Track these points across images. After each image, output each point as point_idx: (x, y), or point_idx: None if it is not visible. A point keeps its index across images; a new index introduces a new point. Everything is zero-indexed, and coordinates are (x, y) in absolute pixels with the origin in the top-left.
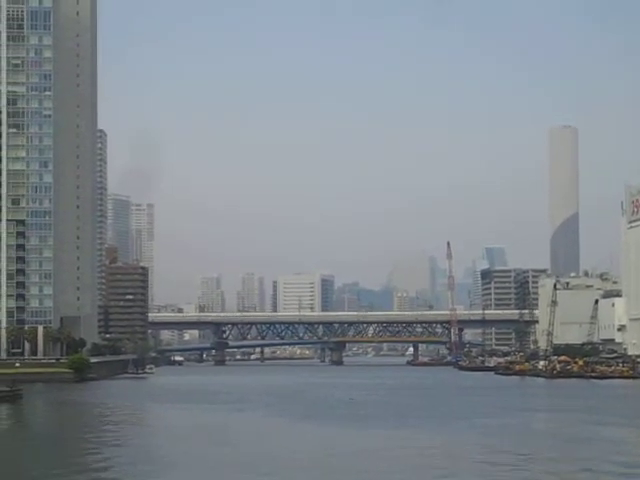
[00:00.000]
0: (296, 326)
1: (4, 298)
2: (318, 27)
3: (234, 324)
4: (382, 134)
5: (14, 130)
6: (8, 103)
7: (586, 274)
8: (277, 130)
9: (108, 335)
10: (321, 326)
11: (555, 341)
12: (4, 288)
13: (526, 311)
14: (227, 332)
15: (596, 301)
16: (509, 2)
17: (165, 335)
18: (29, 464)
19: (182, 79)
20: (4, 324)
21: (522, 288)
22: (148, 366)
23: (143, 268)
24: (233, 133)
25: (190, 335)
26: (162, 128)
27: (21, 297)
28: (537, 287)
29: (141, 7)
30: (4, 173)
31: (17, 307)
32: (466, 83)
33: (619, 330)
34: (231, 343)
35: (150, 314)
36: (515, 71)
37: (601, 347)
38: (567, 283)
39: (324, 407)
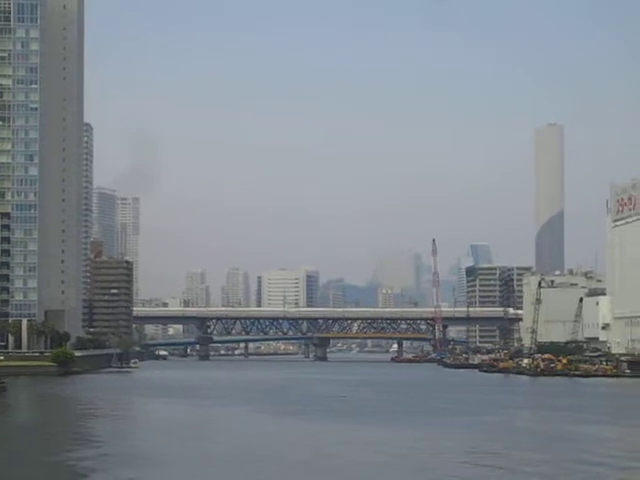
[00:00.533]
0: (280, 322)
1: None
2: (318, 26)
3: (218, 319)
4: (375, 134)
5: (0, 123)
6: None
7: (571, 272)
8: (267, 127)
9: (92, 329)
10: (305, 322)
11: (539, 339)
12: None
13: (510, 309)
14: (211, 327)
15: (580, 299)
16: (509, 2)
17: (149, 329)
18: (10, 457)
19: (172, 73)
20: None
21: (507, 286)
22: (132, 360)
23: (128, 262)
24: (221, 128)
25: (174, 330)
26: (150, 122)
27: (5, 290)
28: (522, 285)
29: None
30: None
31: (1, 300)
32: (459, 82)
33: (603, 329)
34: (215, 338)
35: (135, 308)
36: (513, 70)
37: (585, 345)
38: (552, 281)
39: (309, 403)
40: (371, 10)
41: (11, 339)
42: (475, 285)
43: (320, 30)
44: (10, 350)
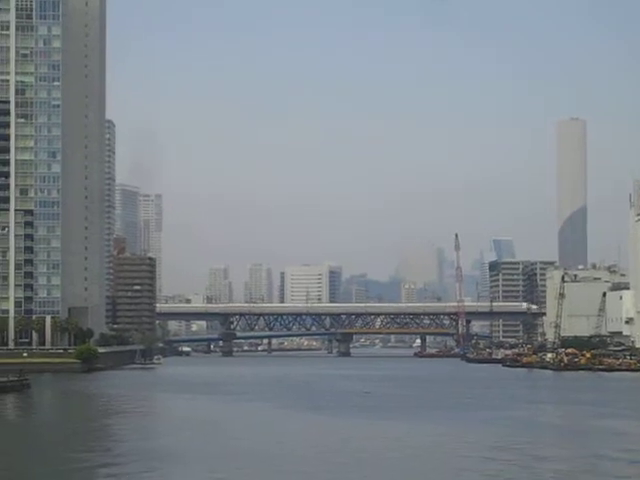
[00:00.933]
0: (304, 317)
1: (12, 288)
2: (318, 26)
3: (242, 315)
4: (386, 130)
5: (22, 120)
6: (17, 93)
7: (594, 267)
8: (284, 125)
9: (116, 325)
10: (328, 317)
11: (563, 333)
12: (12, 278)
13: (533, 306)
14: (235, 323)
15: (604, 294)
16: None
17: (173, 326)
18: (34, 454)
19: (190, 72)
20: (12, 314)
21: (530, 280)
22: (156, 357)
23: (151, 259)
24: (241, 127)
25: (197, 326)
26: (172, 119)
27: (29, 287)
28: (545, 279)
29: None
30: (12, 163)
31: (25, 297)
32: (472, 80)
33: (627, 323)
34: (239, 334)
35: (158, 305)
36: (520, 65)
37: (609, 340)
38: (575, 275)
39: (333, 398)
40: (371, 10)
41: (35, 336)
42: (498, 280)
43: (320, 30)
44: (34, 347)
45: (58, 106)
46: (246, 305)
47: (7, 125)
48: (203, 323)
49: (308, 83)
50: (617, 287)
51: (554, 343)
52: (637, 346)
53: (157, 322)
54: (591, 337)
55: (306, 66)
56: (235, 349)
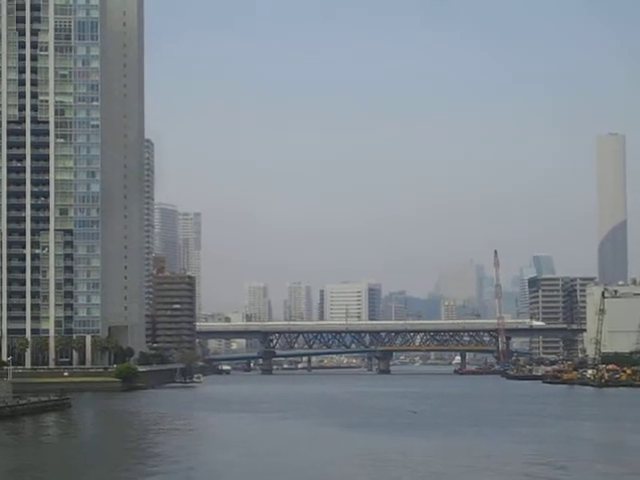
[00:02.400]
0: (343, 335)
1: (52, 307)
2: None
3: (281, 333)
4: (416, 143)
5: (62, 140)
6: (56, 113)
7: (634, 282)
8: (316, 142)
9: (156, 344)
10: (368, 335)
11: (603, 350)
12: (52, 297)
13: (573, 325)
14: (274, 341)
15: None
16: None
17: (212, 344)
18: (76, 473)
19: (227, 88)
20: (52, 333)
21: (570, 296)
22: (196, 375)
23: (190, 277)
24: (278, 144)
25: (237, 344)
26: (208, 139)
27: (69, 306)
28: (585, 295)
29: (188, 17)
30: (52, 183)
31: (65, 316)
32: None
33: None
34: (278, 352)
35: (197, 323)
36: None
37: None
38: (615, 291)
39: (381, 416)
40: (371, 10)
41: (75, 355)
42: (538, 296)
43: (322, 33)
44: (74, 366)
45: (97, 126)
46: (285, 323)
47: (46, 145)
48: (243, 341)
49: (326, 88)
50: None
51: (595, 359)
52: None
53: (197, 340)
54: (632, 353)
55: (312, 71)
56: (275, 367)
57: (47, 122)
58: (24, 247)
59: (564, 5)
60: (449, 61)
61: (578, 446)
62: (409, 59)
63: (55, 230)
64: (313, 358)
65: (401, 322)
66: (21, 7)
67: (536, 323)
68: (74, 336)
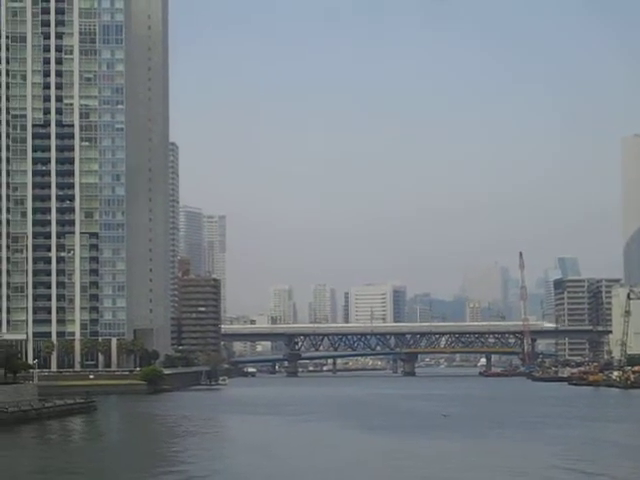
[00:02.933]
0: (368, 337)
1: (78, 310)
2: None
3: (306, 335)
4: (448, 142)
5: (87, 143)
6: (81, 117)
7: None
8: (334, 143)
9: (181, 347)
10: (393, 337)
11: (629, 351)
12: (78, 300)
13: (599, 327)
14: (299, 343)
15: None
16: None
17: (238, 347)
18: (103, 477)
19: (250, 91)
20: (78, 336)
21: (595, 298)
22: (221, 378)
23: (215, 280)
24: (298, 146)
25: (262, 347)
26: (230, 141)
27: (95, 309)
28: (610, 297)
29: (212, 21)
30: (77, 186)
31: (91, 319)
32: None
33: None
34: (303, 354)
35: (222, 326)
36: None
37: None
38: None
39: (403, 418)
40: (371, 10)
41: (101, 358)
42: (563, 298)
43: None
44: (100, 369)
45: (122, 129)
46: (310, 325)
47: (72, 148)
48: (268, 344)
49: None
50: None
51: (620, 361)
52: None
53: (222, 343)
54: None
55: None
56: (300, 369)
57: (72, 125)
58: (49, 250)
59: (564, 5)
60: (449, 61)
61: (603, 448)
62: (409, 59)
63: (80, 233)
64: (338, 360)
65: (426, 324)
66: (46, 11)
67: (547, 325)
68: (99, 339)
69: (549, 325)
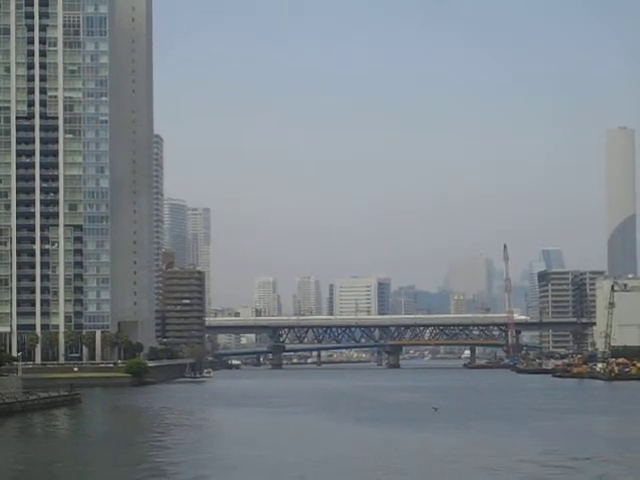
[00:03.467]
0: (353, 329)
1: (62, 303)
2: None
3: (291, 328)
4: (418, 139)
5: (70, 136)
6: (65, 109)
7: None
8: (320, 139)
9: (165, 339)
10: (377, 329)
11: (613, 343)
12: (62, 293)
13: (583, 319)
14: (284, 336)
15: None
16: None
17: (222, 339)
18: (84, 469)
19: (236, 85)
20: (62, 328)
21: (579, 290)
22: (206, 370)
23: (200, 272)
24: (283, 140)
25: (247, 339)
26: (215, 134)
27: (79, 302)
28: (595, 289)
29: (196, 13)
30: (61, 178)
31: (75, 312)
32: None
33: None
34: (288, 347)
35: (207, 318)
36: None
37: None
38: (625, 285)
39: (388, 410)
40: (371, 10)
41: (85, 350)
42: (548, 290)
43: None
44: (84, 361)
45: (106, 122)
46: (295, 318)
47: (55, 141)
48: (252, 336)
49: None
50: None
51: (604, 353)
52: None
53: (206, 335)
54: None
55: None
56: (284, 362)
57: (56, 118)
58: (33, 243)
59: (564, 5)
60: (448, 61)
61: (586, 440)
62: (409, 59)
63: (64, 226)
64: (323, 353)
65: (411, 316)
66: (29, 2)
67: (518, 318)
68: (84, 331)
69: (521, 318)
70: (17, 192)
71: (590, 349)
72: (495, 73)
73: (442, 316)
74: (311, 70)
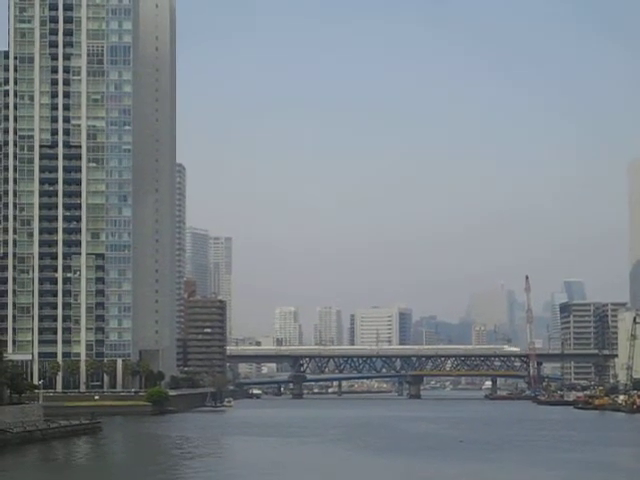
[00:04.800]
0: (374, 359)
1: (84, 331)
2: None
3: (312, 357)
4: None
5: (94, 164)
6: (88, 137)
7: None
8: (339, 165)
9: (186, 368)
10: (399, 359)
11: (635, 375)
12: (84, 321)
13: (605, 351)
14: (305, 365)
15: None
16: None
17: (243, 368)
18: None
19: (258, 111)
20: (84, 357)
21: (601, 322)
22: (226, 399)
23: (221, 301)
24: (304, 168)
25: (268, 368)
26: (239, 162)
27: (100, 330)
28: (617, 321)
29: (220, 43)
30: (84, 207)
31: (96, 340)
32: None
33: None
34: (309, 376)
35: (228, 347)
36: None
37: None
38: None
39: (408, 440)
40: (372, 10)
41: (106, 379)
42: (569, 321)
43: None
44: (105, 390)
45: (129, 150)
46: (316, 347)
47: (79, 169)
48: (273, 365)
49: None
50: None
51: (626, 385)
52: None
53: (227, 365)
54: None
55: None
56: (305, 391)
57: (79, 146)
58: (56, 271)
59: (563, 6)
60: (449, 62)
61: (607, 472)
62: (409, 59)
63: (87, 254)
64: (343, 383)
65: (432, 347)
66: (54, 32)
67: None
68: (105, 360)
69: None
70: (40, 220)
71: (612, 381)
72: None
73: (463, 347)
74: (315, 81)
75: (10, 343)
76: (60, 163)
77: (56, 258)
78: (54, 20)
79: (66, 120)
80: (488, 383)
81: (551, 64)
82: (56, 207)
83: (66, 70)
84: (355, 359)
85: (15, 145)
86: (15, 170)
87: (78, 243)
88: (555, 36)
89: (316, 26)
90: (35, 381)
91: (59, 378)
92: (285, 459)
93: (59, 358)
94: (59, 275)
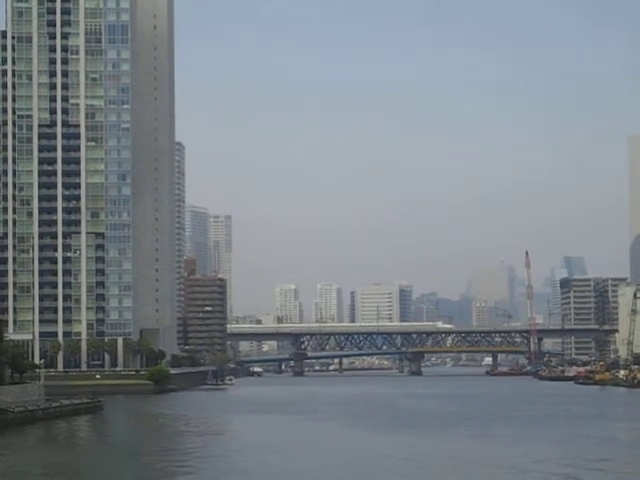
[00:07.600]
0: (374, 337)
1: (84, 310)
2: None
3: (312, 335)
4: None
5: (92, 143)
6: (86, 117)
7: None
8: (339, 143)
9: (187, 347)
10: (399, 336)
11: (636, 350)
12: (84, 300)
13: (605, 326)
14: (305, 343)
15: None
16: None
17: (244, 346)
18: (108, 475)
19: (257, 90)
20: (84, 336)
21: (602, 297)
22: (227, 377)
23: (221, 280)
24: (303, 146)
25: (268, 346)
26: (238, 140)
27: (101, 309)
28: (617, 296)
29: (218, 19)
30: (83, 186)
31: (97, 319)
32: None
33: None
34: (309, 354)
35: (229, 325)
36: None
37: None
38: None
39: (409, 417)
40: (371, 11)
41: (107, 358)
42: (570, 297)
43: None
44: (106, 369)
45: (128, 129)
46: (317, 325)
47: (78, 148)
48: (274, 343)
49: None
50: None
51: (627, 360)
52: None
53: (228, 343)
54: None
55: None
56: (306, 369)
57: (78, 125)
58: (55, 250)
59: (564, 3)
60: (449, 62)
61: (608, 446)
62: (409, 59)
63: (86, 233)
64: (344, 360)
65: (432, 323)
66: (51, 11)
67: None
68: (106, 339)
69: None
70: (39, 200)
71: (612, 356)
72: (497, 73)
73: (464, 323)
74: (315, 69)
75: (11, 323)
76: (59, 142)
77: (56, 237)
78: None
79: (65, 99)
80: (489, 359)
81: (550, 46)
82: (55, 186)
83: (64, 49)
84: (356, 336)
85: (14, 125)
86: (14, 150)
87: (78, 222)
88: (554, 22)
89: None
90: (36, 361)
91: (60, 357)
92: (284, 436)
93: (60, 337)
94: (59, 254)
